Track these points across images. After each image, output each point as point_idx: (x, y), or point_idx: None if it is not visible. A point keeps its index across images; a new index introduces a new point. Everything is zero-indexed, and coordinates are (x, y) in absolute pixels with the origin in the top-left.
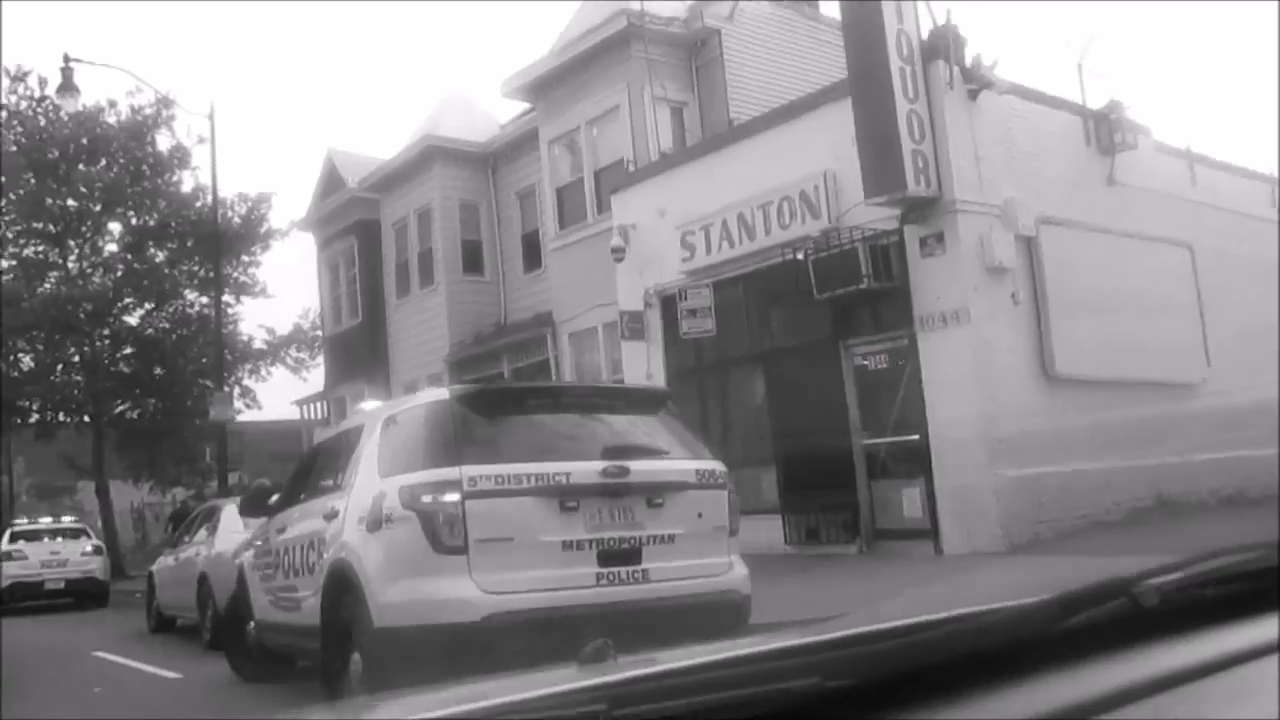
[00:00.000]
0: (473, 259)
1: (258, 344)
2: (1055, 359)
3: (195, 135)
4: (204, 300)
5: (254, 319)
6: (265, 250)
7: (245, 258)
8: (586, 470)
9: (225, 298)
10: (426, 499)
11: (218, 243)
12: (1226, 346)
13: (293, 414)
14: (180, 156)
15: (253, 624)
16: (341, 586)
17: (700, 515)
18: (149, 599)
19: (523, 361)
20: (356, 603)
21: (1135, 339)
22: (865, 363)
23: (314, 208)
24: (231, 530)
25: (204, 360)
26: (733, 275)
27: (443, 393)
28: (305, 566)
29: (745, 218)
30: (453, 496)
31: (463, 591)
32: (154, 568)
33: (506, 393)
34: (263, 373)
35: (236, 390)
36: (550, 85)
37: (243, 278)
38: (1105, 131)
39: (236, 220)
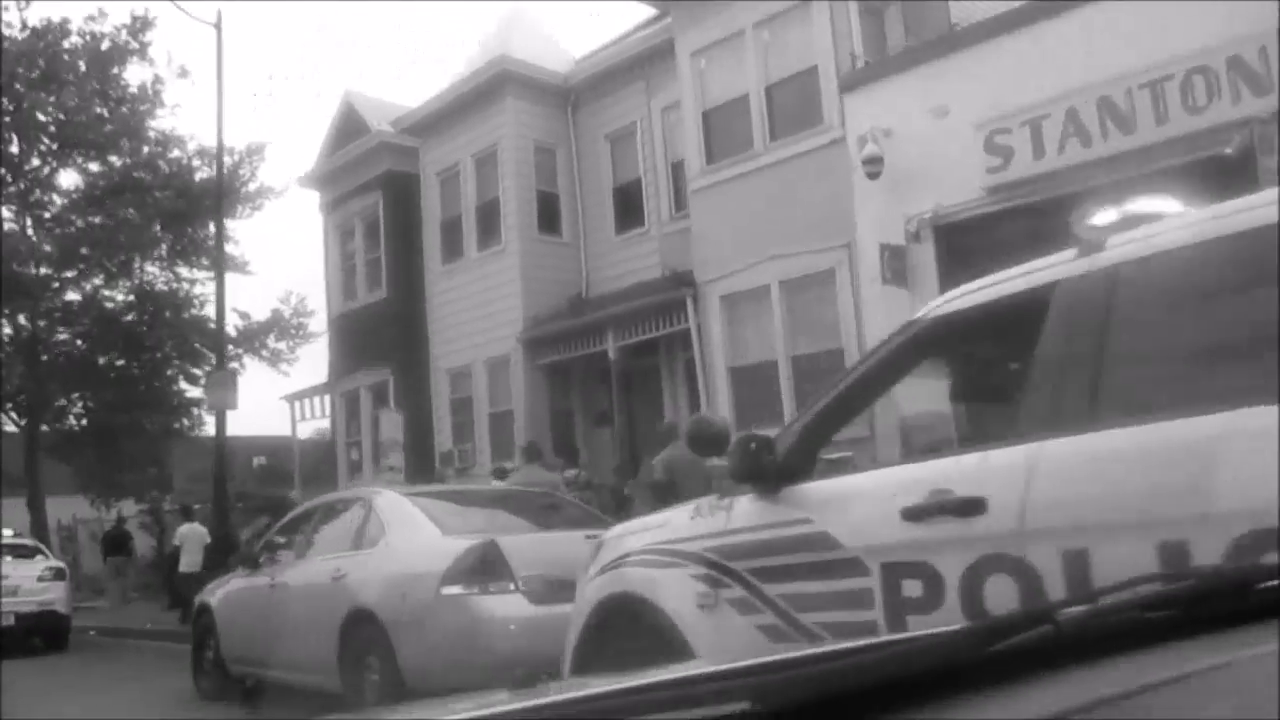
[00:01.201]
0: (548, 216)
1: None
2: None
3: (176, 66)
4: (173, 274)
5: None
6: (255, 211)
7: (229, 220)
8: None
9: (194, 273)
10: None
11: (220, 182)
12: None
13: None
14: (155, 93)
15: None
16: None
17: None
18: (199, 646)
19: (639, 334)
20: None
21: None
22: None
23: (324, 160)
24: (426, 533)
25: (169, 345)
26: (1081, 187)
27: None
28: None
29: (1113, 103)
30: None
31: None
32: (211, 599)
33: None
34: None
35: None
36: None
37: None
38: None
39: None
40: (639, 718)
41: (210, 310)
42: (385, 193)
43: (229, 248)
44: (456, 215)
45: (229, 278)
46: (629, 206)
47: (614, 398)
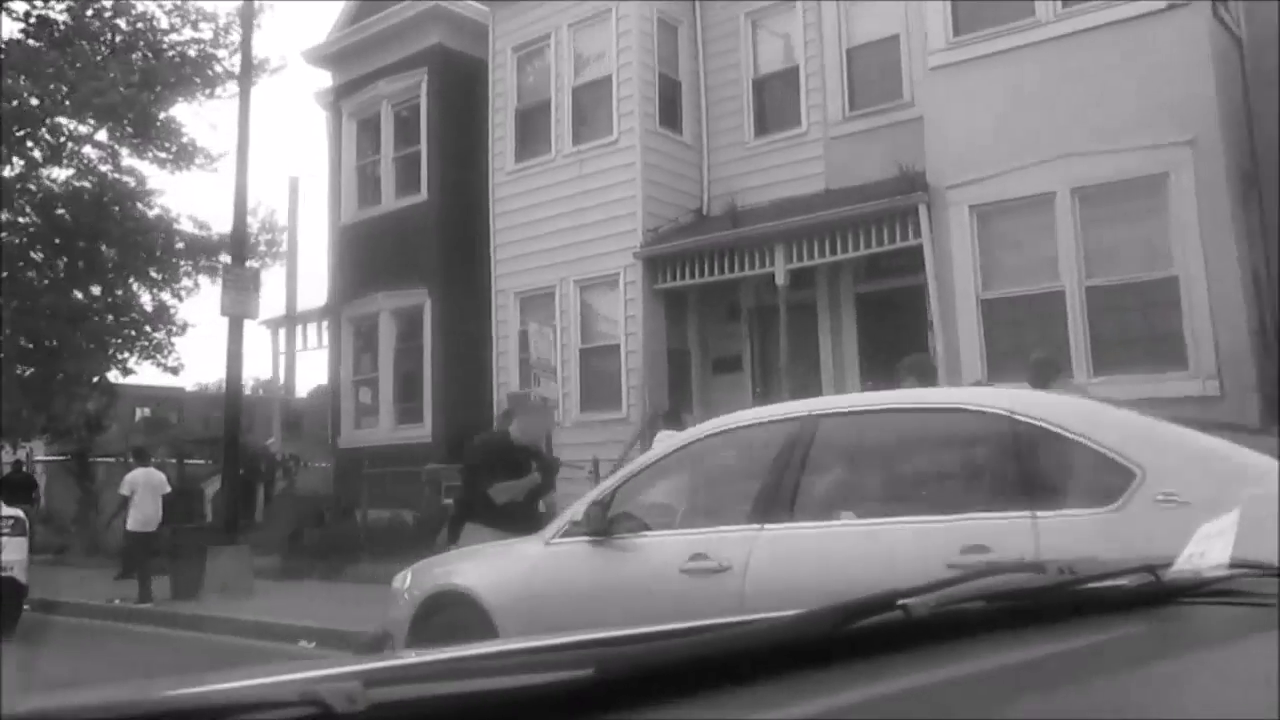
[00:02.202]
0: (668, 110)
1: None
2: None
3: None
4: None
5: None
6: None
7: (203, 96)
8: None
9: (146, 165)
10: None
11: (249, 24)
12: None
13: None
14: None
15: None
16: None
17: None
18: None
19: (826, 253)
20: None
21: None
22: None
23: (342, 30)
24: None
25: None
26: None
27: None
28: None
29: None
30: None
31: None
32: (476, 583)
33: None
34: (184, 283)
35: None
36: None
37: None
38: None
39: (199, 45)
40: (490, 679)
41: (163, 211)
42: (432, 73)
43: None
44: (542, 101)
45: (188, 176)
46: (776, 103)
47: (753, 337)
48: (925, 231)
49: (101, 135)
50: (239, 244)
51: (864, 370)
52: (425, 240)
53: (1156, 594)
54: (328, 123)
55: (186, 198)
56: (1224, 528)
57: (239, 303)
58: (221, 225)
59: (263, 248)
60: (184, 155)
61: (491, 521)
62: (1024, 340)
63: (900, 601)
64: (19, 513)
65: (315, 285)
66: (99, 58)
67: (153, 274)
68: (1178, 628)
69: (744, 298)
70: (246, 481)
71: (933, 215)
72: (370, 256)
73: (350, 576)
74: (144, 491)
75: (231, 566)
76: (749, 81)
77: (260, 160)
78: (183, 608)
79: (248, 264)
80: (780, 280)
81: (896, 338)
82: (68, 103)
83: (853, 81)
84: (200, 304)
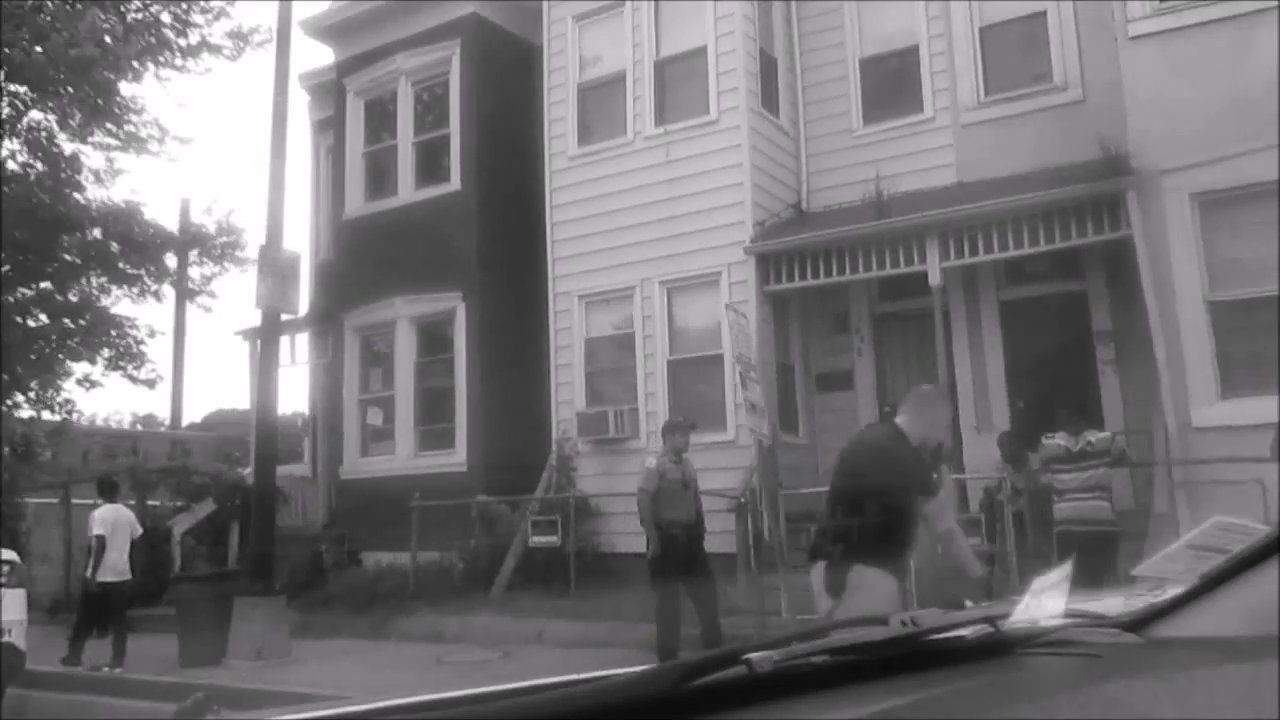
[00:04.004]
0: (767, 90)
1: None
2: None
3: None
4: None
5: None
6: (229, 61)
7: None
8: None
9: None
10: None
11: None
12: None
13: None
14: None
15: None
16: None
17: None
18: None
19: (989, 250)
20: None
21: None
22: None
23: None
24: None
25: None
26: None
27: None
28: None
29: None
30: None
31: None
32: None
33: None
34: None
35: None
36: None
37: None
38: None
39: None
40: None
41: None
42: (466, 46)
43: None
44: (611, 75)
45: (141, 160)
46: (891, 85)
47: (870, 350)
48: (1135, 223)
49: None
50: (274, 223)
51: (1011, 391)
52: (458, 236)
53: (995, 645)
54: (309, 109)
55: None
56: (1058, 579)
57: (277, 293)
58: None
59: (219, 251)
60: (140, 138)
61: (882, 562)
62: (1260, 350)
63: (744, 657)
64: (15, 557)
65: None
66: (70, 6)
67: (124, 268)
68: (1014, 678)
69: (854, 305)
70: (220, 519)
71: (1145, 207)
72: (383, 256)
73: (398, 634)
74: (118, 535)
75: (264, 624)
76: (855, 61)
77: (225, 145)
78: (199, 675)
79: (284, 250)
80: (934, 280)
81: (1053, 353)
82: (39, 49)
83: (987, 63)
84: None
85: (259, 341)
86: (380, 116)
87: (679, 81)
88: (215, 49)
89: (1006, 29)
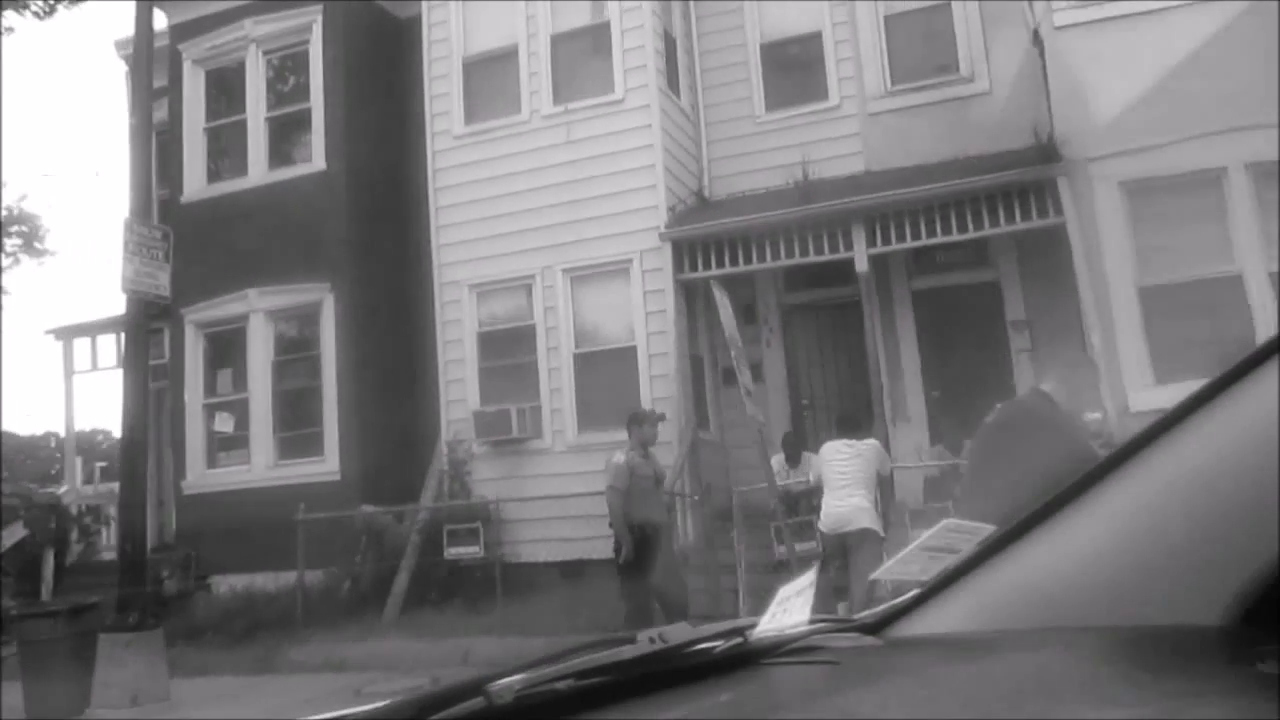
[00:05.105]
0: (670, 73)
1: None
2: None
3: None
4: None
5: None
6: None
7: None
8: None
9: None
10: None
11: None
12: None
13: None
14: None
15: None
16: None
17: None
18: None
19: (919, 236)
20: None
21: None
22: None
23: None
24: None
25: None
26: None
27: None
28: None
29: None
30: None
31: None
32: None
33: None
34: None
35: None
36: None
37: None
38: None
39: None
40: None
41: None
42: (329, 14)
43: None
44: (503, 50)
45: None
46: (795, 72)
47: (783, 341)
48: (1068, 207)
49: None
50: (142, 189)
51: (926, 382)
52: (324, 221)
53: (743, 656)
54: (127, 79)
55: None
56: (803, 586)
57: (147, 275)
58: None
59: (17, 241)
60: None
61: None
62: (1190, 334)
63: (485, 687)
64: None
65: (93, 286)
66: None
67: None
68: (761, 690)
69: (761, 296)
70: (31, 545)
71: (1075, 191)
72: (231, 244)
73: (289, 665)
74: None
75: (137, 665)
76: (756, 46)
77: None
78: None
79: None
80: (861, 267)
81: (967, 342)
82: None
83: (892, 52)
84: None
85: (94, 338)
86: (224, 88)
87: (579, 58)
88: (20, 3)
89: (911, 19)
